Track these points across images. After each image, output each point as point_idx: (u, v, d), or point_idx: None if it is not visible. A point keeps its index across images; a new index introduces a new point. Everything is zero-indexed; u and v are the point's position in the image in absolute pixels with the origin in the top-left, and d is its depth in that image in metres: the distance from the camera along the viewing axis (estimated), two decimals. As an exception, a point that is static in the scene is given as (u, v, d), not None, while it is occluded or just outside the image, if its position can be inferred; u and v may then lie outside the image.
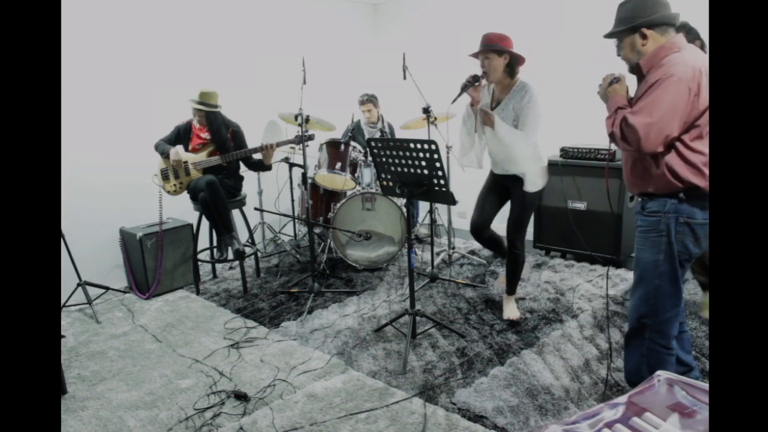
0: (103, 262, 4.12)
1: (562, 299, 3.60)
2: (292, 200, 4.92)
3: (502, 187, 3.21)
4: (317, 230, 4.63)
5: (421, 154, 2.73)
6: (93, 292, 3.84)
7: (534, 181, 3.05)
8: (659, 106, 1.89)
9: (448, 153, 4.23)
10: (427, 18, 5.54)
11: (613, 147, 2.33)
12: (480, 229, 3.30)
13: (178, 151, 3.73)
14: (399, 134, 4.94)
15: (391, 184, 3.03)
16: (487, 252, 4.57)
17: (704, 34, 2.93)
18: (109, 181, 4.08)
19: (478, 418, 2.36)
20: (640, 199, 2.18)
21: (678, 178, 1.98)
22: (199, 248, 4.09)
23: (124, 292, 4.09)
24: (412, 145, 2.73)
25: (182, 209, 4.25)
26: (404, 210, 3.62)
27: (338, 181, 4.29)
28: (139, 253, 3.92)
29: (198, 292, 4.01)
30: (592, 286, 3.80)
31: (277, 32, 5.09)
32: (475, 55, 3.04)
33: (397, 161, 2.86)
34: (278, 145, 3.81)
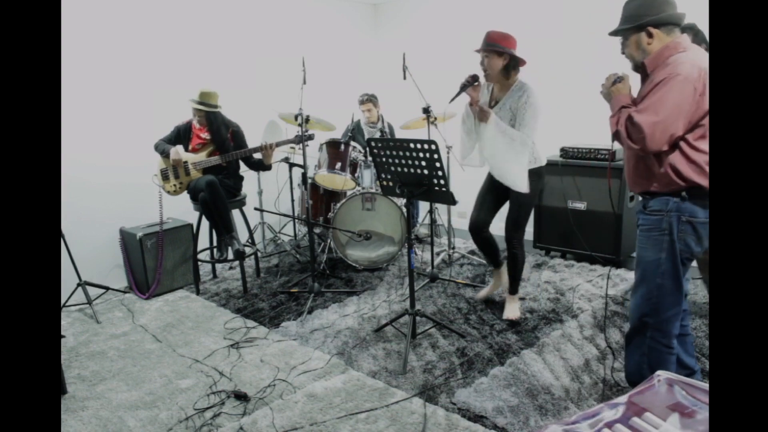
0: (103, 262, 4.12)
1: (562, 299, 3.60)
2: (292, 200, 4.92)
3: (501, 186, 3.21)
4: (317, 230, 4.62)
5: (421, 154, 2.73)
6: (93, 292, 3.84)
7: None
8: (665, 105, 1.89)
9: (448, 153, 4.23)
10: (427, 18, 5.54)
11: (614, 147, 2.33)
12: (479, 227, 3.30)
13: (178, 151, 3.73)
14: (399, 134, 4.94)
15: (391, 184, 3.03)
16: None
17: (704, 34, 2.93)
18: (109, 181, 4.08)
19: (478, 418, 2.36)
20: (641, 199, 2.18)
21: (681, 176, 1.99)
22: (199, 248, 4.09)
23: (124, 292, 4.09)
24: (412, 145, 2.73)
25: (182, 209, 4.25)
26: (404, 210, 3.62)
27: (338, 181, 4.29)
28: (139, 253, 3.92)
29: (198, 292, 4.01)
30: (592, 286, 3.80)
31: (277, 32, 5.09)
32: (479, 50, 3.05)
33: (397, 161, 2.86)
34: (278, 144, 3.81)
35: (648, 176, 2.07)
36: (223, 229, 3.82)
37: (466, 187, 4.59)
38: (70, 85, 3.78)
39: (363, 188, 4.23)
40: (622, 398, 1.24)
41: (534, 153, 3.08)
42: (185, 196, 3.89)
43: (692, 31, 2.78)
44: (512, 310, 3.31)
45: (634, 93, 2.12)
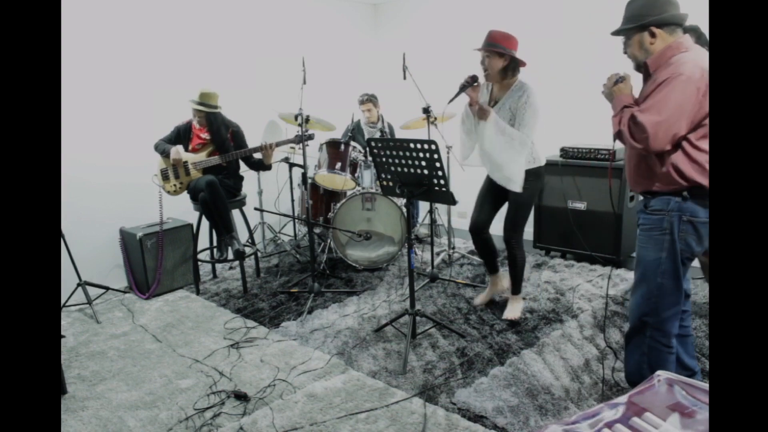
0: (103, 262, 4.12)
1: (562, 299, 3.60)
2: (292, 200, 4.92)
3: (500, 187, 3.22)
4: (317, 230, 4.62)
5: (421, 154, 2.73)
6: (93, 292, 3.84)
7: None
8: (668, 104, 1.90)
9: (448, 153, 4.23)
10: (427, 18, 5.54)
11: (615, 146, 2.34)
12: (479, 228, 3.30)
13: (178, 150, 3.73)
14: (399, 134, 4.94)
15: (391, 184, 3.03)
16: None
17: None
18: (109, 181, 4.08)
19: (478, 418, 2.36)
20: (642, 198, 2.18)
21: (683, 176, 1.99)
22: (199, 248, 4.09)
23: (124, 292, 4.09)
24: (412, 145, 2.73)
25: (182, 209, 4.25)
26: (404, 210, 3.62)
27: (338, 181, 4.29)
28: (139, 253, 3.92)
29: (198, 292, 4.01)
30: (592, 286, 3.80)
31: (277, 32, 5.09)
32: (477, 49, 3.05)
33: (397, 161, 2.86)
34: (278, 144, 3.81)
35: (650, 176, 2.07)
36: (223, 229, 3.82)
37: (466, 187, 4.58)
38: (70, 85, 3.78)
39: (363, 188, 4.23)
40: (622, 398, 1.24)
41: (533, 153, 3.09)
42: (185, 196, 3.89)
43: (695, 33, 2.79)
44: (513, 311, 3.31)
45: (636, 93, 2.12)
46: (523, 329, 3.19)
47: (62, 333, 3.39)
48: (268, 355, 3.03)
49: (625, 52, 2.14)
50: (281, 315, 3.54)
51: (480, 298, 3.55)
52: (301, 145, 3.72)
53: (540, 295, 3.69)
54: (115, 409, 2.57)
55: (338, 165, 4.21)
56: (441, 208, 5.10)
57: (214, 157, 3.80)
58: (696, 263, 4.00)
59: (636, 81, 2.11)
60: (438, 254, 4.52)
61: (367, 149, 3.76)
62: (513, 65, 3.01)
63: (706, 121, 1.93)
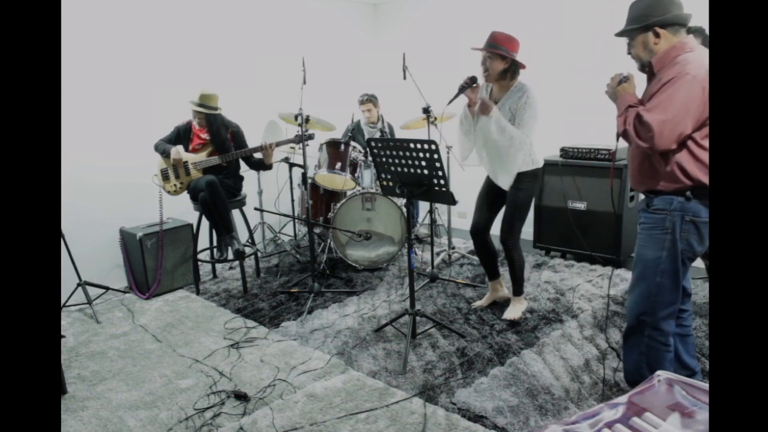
0: (103, 262, 4.12)
1: (562, 299, 3.60)
2: (292, 200, 4.92)
3: (498, 188, 3.22)
4: (317, 230, 4.62)
5: (421, 154, 2.73)
6: (93, 292, 3.84)
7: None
8: (673, 103, 1.90)
9: (448, 153, 4.23)
10: (427, 18, 5.54)
11: (618, 146, 2.34)
12: (480, 230, 3.30)
13: (179, 150, 3.73)
14: (399, 134, 4.94)
15: (391, 184, 3.03)
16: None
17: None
18: (109, 181, 4.08)
19: (478, 418, 2.36)
20: (643, 197, 2.19)
21: (687, 175, 2.00)
22: (199, 248, 4.09)
23: (124, 292, 4.09)
24: (412, 145, 2.73)
25: (182, 209, 4.26)
26: (404, 210, 3.62)
27: (338, 181, 4.29)
28: (139, 253, 3.92)
29: (198, 292, 4.01)
30: (592, 286, 3.80)
31: (277, 32, 5.09)
32: (478, 48, 3.05)
33: (397, 161, 2.86)
34: (278, 144, 3.81)
35: (653, 175, 2.08)
36: (223, 229, 3.82)
37: (466, 187, 4.59)
38: (70, 85, 3.78)
39: (363, 188, 4.23)
40: (622, 398, 1.24)
41: (531, 155, 3.09)
42: (185, 196, 3.89)
43: (701, 34, 2.79)
44: (513, 311, 3.31)
45: (639, 93, 2.12)
46: (523, 329, 3.19)
47: (62, 333, 3.39)
48: (268, 355, 3.03)
49: (629, 53, 2.15)
50: (281, 315, 3.54)
51: (479, 303, 3.54)
52: (301, 145, 3.72)
53: (540, 295, 3.69)
54: (115, 409, 2.57)
55: (338, 165, 4.21)
56: (441, 208, 5.10)
57: (214, 157, 3.80)
58: (701, 264, 4.00)
59: (639, 81, 2.12)
60: (438, 254, 4.52)
61: (367, 149, 3.76)
62: (513, 68, 3.02)
63: None
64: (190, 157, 3.80)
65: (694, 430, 1.11)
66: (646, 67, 2.10)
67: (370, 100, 4.81)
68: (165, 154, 3.77)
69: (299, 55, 4.86)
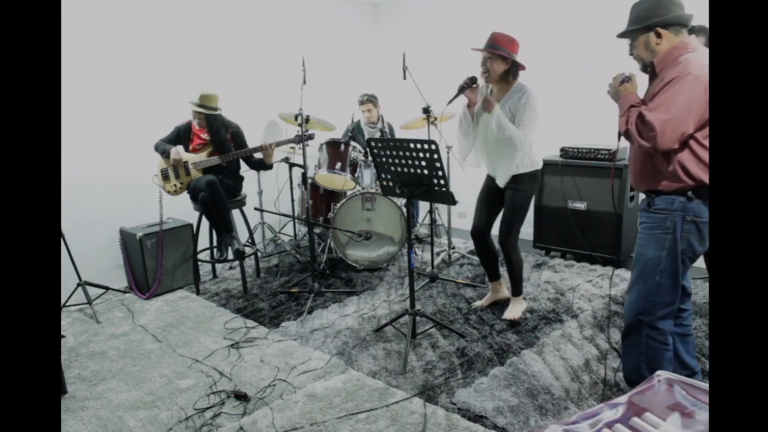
0: (103, 262, 4.12)
1: (562, 299, 3.60)
2: (292, 200, 4.92)
3: (497, 189, 3.23)
4: (317, 230, 4.62)
5: (421, 154, 2.73)
6: (93, 292, 3.84)
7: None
8: (676, 103, 1.91)
9: (448, 153, 4.23)
10: (427, 18, 5.54)
11: (620, 145, 2.34)
12: (480, 232, 3.31)
13: (178, 151, 3.73)
14: (399, 134, 4.94)
15: (391, 184, 3.03)
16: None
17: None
18: (109, 181, 4.08)
19: (478, 418, 2.36)
20: (645, 197, 2.19)
21: (689, 175, 2.00)
22: (199, 248, 4.09)
23: (124, 292, 4.09)
24: (412, 145, 2.73)
25: (182, 209, 4.26)
26: (404, 210, 3.62)
27: (338, 181, 4.29)
28: (139, 253, 3.92)
29: (198, 292, 4.01)
30: (592, 286, 3.80)
31: (277, 32, 5.09)
32: (479, 49, 3.05)
33: (397, 161, 2.87)
34: (278, 144, 3.82)
35: (655, 174, 2.08)
36: (223, 228, 3.82)
37: (466, 187, 4.59)
38: (70, 85, 3.78)
39: (363, 187, 4.23)
40: (622, 398, 1.24)
41: (531, 156, 3.09)
42: (185, 196, 3.89)
43: (705, 33, 2.79)
44: (513, 311, 3.31)
45: (641, 93, 2.13)
46: (523, 329, 3.19)
47: (62, 333, 3.39)
48: (268, 355, 3.03)
49: (631, 54, 2.15)
50: (281, 315, 3.54)
51: (480, 303, 3.54)
52: (301, 145, 3.72)
53: (540, 295, 3.69)
54: (115, 409, 2.57)
55: (338, 165, 4.21)
56: (441, 208, 5.10)
57: (214, 157, 3.80)
58: (701, 264, 4.00)
59: (641, 81, 2.12)
60: (438, 254, 4.52)
61: (367, 149, 3.76)
62: (514, 69, 3.02)
63: None
64: (190, 157, 3.80)
65: (694, 430, 1.11)
66: (648, 68, 2.10)
67: (370, 100, 4.81)
68: (165, 155, 3.77)
69: (299, 55, 4.86)
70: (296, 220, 5.04)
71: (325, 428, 2.34)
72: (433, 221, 4.50)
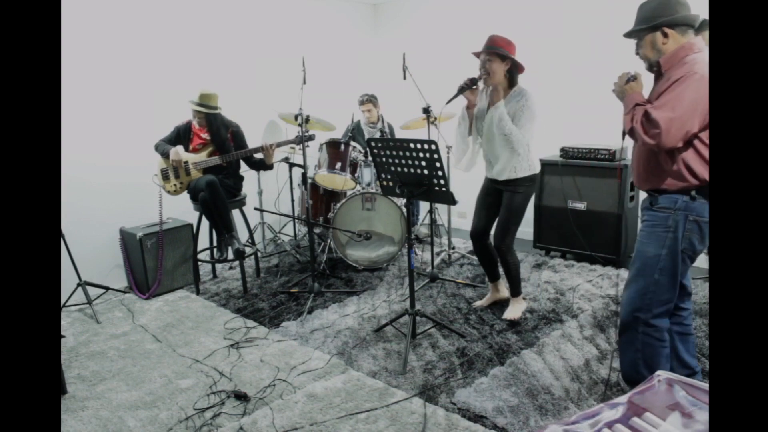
0: (103, 262, 4.12)
1: (562, 299, 3.60)
2: (292, 200, 4.92)
3: (495, 191, 3.23)
4: (317, 230, 4.63)
5: (421, 154, 2.73)
6: (93, 292, 3.84)
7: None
8: (682, 102, 1.92)
9: (448, 153, 4.23)
10: (427, 18, 5.54)
11: (622, 144, 2.34)
12: (479, 233, 3.31)
13: (178, 151, 3.74)
14: (399, 134, 4.94)
15: (391, 184, 3.03)
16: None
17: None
18: (109, 181, 4.08)
19: (478, 418, 2.36)
20: (646, 196, 2.20)
21: (693, 174, 2.01)
22: (199, 248, 4.09)
23: (124, 292, 4.09)
24: (412, 145, 2.74)
25: (182, 209, 4.26)
26: (404, 210, 3.62)
27: (338, 181, 4.29)
28: (139, 253, 3.92)
29: (198, 292, 4.01)
30: (592, 286, 3.80)
31: (277, 32, 5.09)
32: (477, 54, 3.05)
33: (397, 161, 2.87)
34: (278, 145, 3.82)
35: (659, 173, 2.09)
36: (223, 228, 3.82)
37: (466, 187, 4.59)
38: (70, 85, 3.78)
39: (363, 187, 4.23)
40: (622, 398, 1.24)
41: (529, 160, 3.09)
42: (185, 196, 3.89)
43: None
44: (513, 311, 3.31)
45: (646, 93, 2.13)
46: (523, 329, 3.19)
47: (62, 333, 3.39)
48: (268, 355, 3.03)
49: (637, 53, 2.17)
50: (281, 315, 3.54)
51: (480, 303, 3.54)
52: (301, 145, 3.72)
53: (540, 295, 3.69)
54: (115, 409, 2.57)
55: (338, 165, 4.21)
56: (441, 208, 5.10)
57: (215, 157, 3.80)
58: (701, 264, 4.00)
59: (646, 81, 2.13)
60: (438, 254, 4.52)
61: (367, 149, 3.76)
62: (513, 72, 3.02)
63: None
64: (191, 157, 3.80)
65: (694, 430, 1.11)
66: (654, 67, 2.11)
67: (370, 100, 4.81)
68: (165, 155, 3.77)
69: (299, 55, 4.87)
70: (296, 220, 5.04)
71: (325, 428, 2.34)
72: (433, 221, 4.50)
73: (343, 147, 4.23)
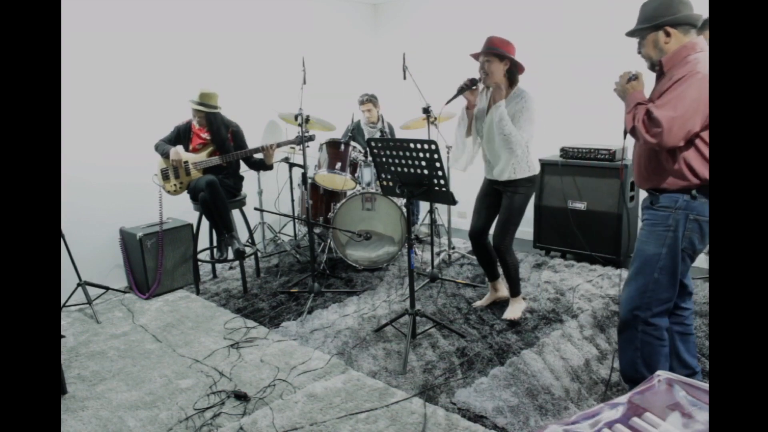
0: (103, 262, 4.12)
1: (562, 299, 3.60)
2: (292, 200, 4.92)
3: (495, 191, 3.23)
4: (317, 230, 4.63)
5: (421, 154, 2.73)
6: (93, 292, 3.84)
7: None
8: (684, 101, 1.93)
9: (448, 153, 4.23)
10: (427, 18, 5.54)
11: (624, 143, 2.34)
12: (478, 233, 3.31)
13: (178, 151, 3.74)
14: (399, 134, 4.94)
15: (391, 184, 3.03)
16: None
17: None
18: (109, 181, 4.08)
19: (478, 418, 2.36)
20: (647, 195, 2.20)
21: (694, 173, 2.02)
22: (199, 248, 4.10)
23: (124, 292, 4.09)
24: (412, 145, 2.74)
25: (182, 209, 4.26)
26: (404, 210, 3.62)
27: (338, 181, 4.29)
28: (139, 253, 3.92)
29: (198, 292, 4.01)
30: (592, 286, 3.80)
31: (277, 32, 5.09)
32: (476, 56, 3.05)
33: (397, 161, 2.87)
34: (279, 145, 3.82)
35: (660, 172, 2.10)
36: (223, 228, 3.82)
37: (466, 187, 4.59)
38: (70, 85, 3.78)
39: (363, 187, 4.23)
40: (622, 398, 1.24)
41: (528, 161, 3.09)
42: (185, 196, 3.89)
43: None
44: (513, 311, 3.31)
45: (647, 92, 2.14)
46: (523, 329, 3.19)
47: (62, 333, 3.39)
48: (268, 355, 3.03)
49: (640, 52, 2.17)
50: (281, 315, 3.54)
51: (480, 303, 3.54)
52: (301, 145, 3.72)
53: (540, 295, 3.69)
54: (115, 409, 2.57)
55: (338, 165, 4.21)
56: (441, 208, 5.10)
57: (215, 157, 3.80)
58: (701, 264, 4.01)
59: (648, 80, 2.13)
60: (438, 254, 4.52)
61: (367, 149, 3.76)
62: (512, 74, 3.02)
63: None
64: (191, 157, 3.80)
65: (694, 430, 1.11)
66: (656, 66, 2.12)
67: (370, 100, 4.81)
68: (165, 155, 3.77)
69: (299, 55, 4.87)
70: (296, 220, 5.04)
71: (325, 428, 2.34)
72: (433, 221, 4.50)
73: (343, 147, 4.23)
